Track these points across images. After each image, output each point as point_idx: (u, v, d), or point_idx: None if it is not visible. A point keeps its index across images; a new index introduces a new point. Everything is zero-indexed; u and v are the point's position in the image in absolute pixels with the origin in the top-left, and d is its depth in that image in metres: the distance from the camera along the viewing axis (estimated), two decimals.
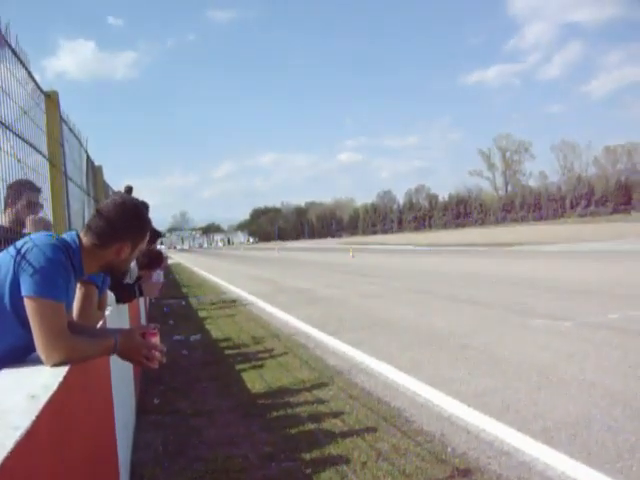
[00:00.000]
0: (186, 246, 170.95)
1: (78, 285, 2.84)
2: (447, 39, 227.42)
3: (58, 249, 2.35)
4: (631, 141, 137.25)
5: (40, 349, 2.24)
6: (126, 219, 2.54)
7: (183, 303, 17.43)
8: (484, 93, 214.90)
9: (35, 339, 2.24)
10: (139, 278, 5.63)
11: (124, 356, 2.50)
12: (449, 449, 4.71)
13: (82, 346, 2.35)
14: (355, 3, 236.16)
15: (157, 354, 2.49)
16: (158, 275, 5.80)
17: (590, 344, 8.03)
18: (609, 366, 6.85)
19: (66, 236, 2.51)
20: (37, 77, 3.62)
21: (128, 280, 5.27)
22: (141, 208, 2.65)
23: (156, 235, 6.41)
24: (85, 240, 2.50)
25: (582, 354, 7.50)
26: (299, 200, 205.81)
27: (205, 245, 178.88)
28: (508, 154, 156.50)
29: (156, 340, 2.51)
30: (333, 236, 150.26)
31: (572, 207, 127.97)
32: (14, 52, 2.99)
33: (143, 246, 2.71)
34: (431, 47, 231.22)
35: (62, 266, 2.33)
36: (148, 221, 2.69)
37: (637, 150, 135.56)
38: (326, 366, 7.82)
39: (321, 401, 6.20)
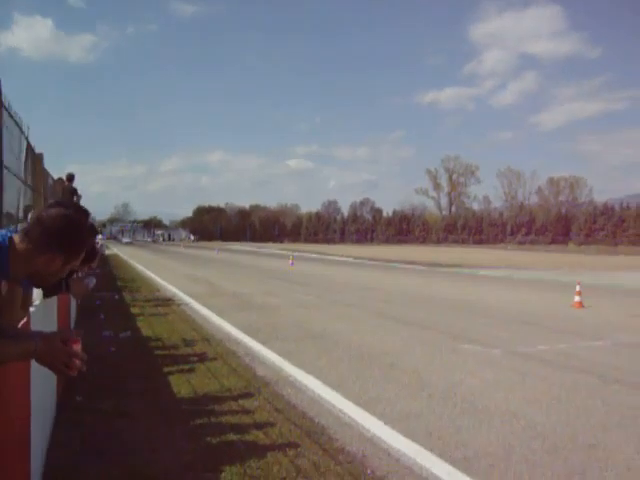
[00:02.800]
0: (129, 239, 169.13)
1: (2, 283, 2.74)
2: (408, 56, 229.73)
3: None
4: (574, 174, 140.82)
5: None
6: (65, 233, 2.44)
7: (116, 297, 17.13)
8: (438, 113, 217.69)
9: None
10: (71, 273, 5.49)
11: (43, 362, 2.42)
12: (369, 471, 4.71)
13: None
14: (320, 9, 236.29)
15: (77, 362, 2.41)
16: (90, 280, 5.69)
17: (517, 374, 8.16)
18: (533, 398, 6.97)
19: None
20: None
21: None
22: (84, 226, 2.55)
23: (93, 232, 6.28)
24: (19, 244, 2.40)
25: (508, 383, 7.62)
26: (244, 202, 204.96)
27: (147, 239, 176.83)
28: (455, 176, 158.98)
29: (78, 348, 2.43)
30: (275, 241, 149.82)
31: (512, 234, 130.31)
32: None
33: (76, 263, 2.61)
34: (391, 61, 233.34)
35: None
36: (87, 241, 2.60)
37: (579, 183, 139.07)
38: (254, 375, 7.78)
39: (246, 411, 6.15)
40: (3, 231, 2.48)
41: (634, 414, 6.36)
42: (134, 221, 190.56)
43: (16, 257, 2.39)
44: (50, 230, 2.40)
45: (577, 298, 16.13)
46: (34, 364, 2.55)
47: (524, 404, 6.67)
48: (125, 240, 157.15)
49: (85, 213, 2.58)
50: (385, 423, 5.90)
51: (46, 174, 9.26)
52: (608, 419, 6.18)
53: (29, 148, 6.84)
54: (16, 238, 2.41)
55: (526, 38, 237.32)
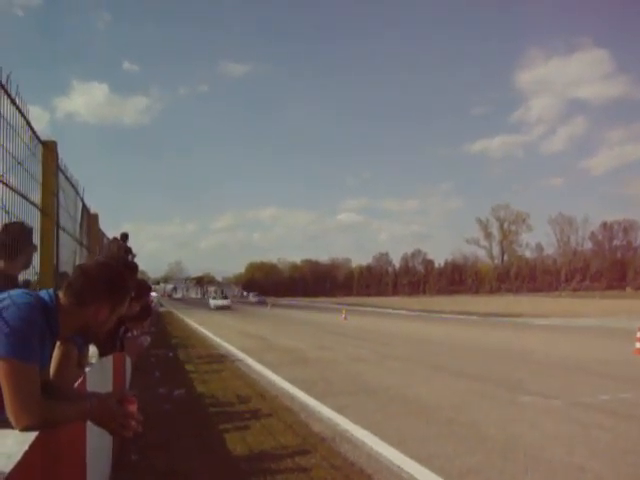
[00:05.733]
0: (180, 295, 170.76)
1: (57, 344, 2.76)
2: (454, 106, 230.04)
3: (34, 308, 2.27)
4: (628, 218, 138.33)
5: (10, 412, 2.15)
6: (107, 280, 2.47)
7: (170, 355, 17.21)
8: (487, 162, 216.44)
9: (5, 402, 2.15)
10: (125, 331, 5.53)
11: (98, 423, 2.41)
12: None
13: (54, 411, 2.26)
14: (364, 62, 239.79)
15: (133, 423, 2.39)
16: (144, 339, 5.72)
17: (580, 425, 7.89)
18: (598, 450, 6.71)
19: (44, 294, 2.43)
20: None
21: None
22: (124, 271, 2.59)
23: (147, 289, 6.34)
24: (63, 299, 2.42)
25: (571, 435, 7.37)
26: (296, 257, 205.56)
27: (199, 295, 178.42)
28: (506, 224, 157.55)
29: (133, 408, 2.42)
30: (327, 295, 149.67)
31: (567, 280, 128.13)
32: (13, 102, 2.97)
33: (123, 310, 2.63)
34: (437, 112, 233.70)
35: (37, 326, 2.25)
36: (129, 285, 2.62)
37: (633, 227, 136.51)
38: (310, 432, 7.67)
39: (303, 469, 6.05)
40: (45, 291, 2.50)
41: None
42: (187, 278, 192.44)
43: (64, 313, 2.41)
44: (92, 279, 2.45)
45: (638, 345, 15.68)
46: (89, 422, 2.55)
47: (589, 458, 6.41)
48: (176, 296, 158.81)
49: (129, 263, 2.63)
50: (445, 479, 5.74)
51: (101, 234, 9.43)
52: None
53: (84, 209, 6.98)
54: (60, 294, 2.44)
55: (573, 83, 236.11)
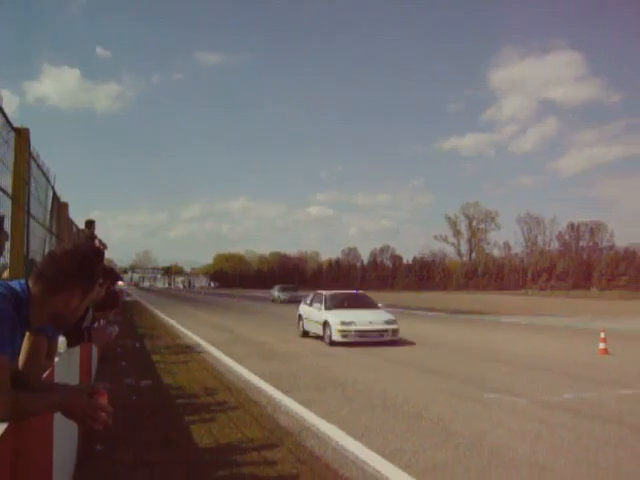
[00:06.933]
0: (147, 285, 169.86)
1: (27, 334, 2.73)
2: (429, 103, 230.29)
3: (6, 298, 2.25)
4: (595, 220, 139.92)
5: None
6: (77, 267, 2.45)
7: (137, 345, 17.10)
8: (458, 160, 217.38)
9: None
10: (93, 321, 5.48)
11: (68, 415, 2.39)
12: None
13: (24, 402, 2.24)
14: (340, 59, 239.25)
15: (103, 415, 2.38)
16: (112, 329, 5.68)
17: (543, 424, 7.99)
18: (561, 449, 6.80)
19: (15, 284, 2.41)
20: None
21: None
22: (91, 256, 2.57)
23: (115, 277, 6.29)
24: (34, 288, 2.40)
25: (535, 434, 7.46)
26: (265, 249, 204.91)
27: (166, 285, 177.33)
28: (474, 222, 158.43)
29: (104, 401, 2.41)
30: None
31: (533, 279, 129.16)
32: None
33: (93, 295, 2.62)
34: (410, 109, 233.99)
35: (8, 317, 2.22)
36: (99, 270, 2.61)
37: (600, 229, 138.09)
38: (277, 425, 7.68)
39: (269, 462, 6.06)
40: (17, 281, 2.48)
41: None
42: (155, 268, 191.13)
43: (35, 303, 2.39)
44: (63, 266, 2.43)
45: (602, 345, 15.88)
46: (57, 413, 2.53)
47: (552, 456, 6.50)
48: (143, 286, 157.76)
49: (95, 249, 2.62)
50: (410, 474, 5.77)
51: (70, 223, 9.35)
52: None
53: (55, 197, 6.91)
54: (30, 283, 2.42)
55: (546, 84, 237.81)
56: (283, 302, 54.39)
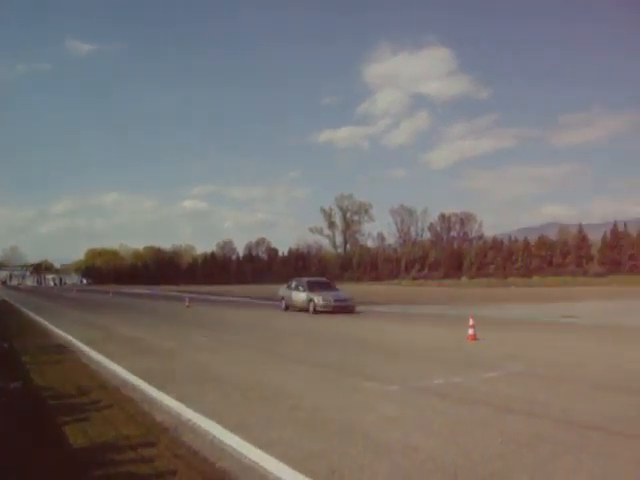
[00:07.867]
0: (15, 282, 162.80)
1: None
2: (303, 96, 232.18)
3: None
4: (465, 210, 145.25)
5: None
6: None
7: (5, 345, 16.42)
8: (333, 153, 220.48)
9: None
10: None
11: None
12: None
13: None
14: (216, 50, 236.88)
15: None
16: None
17: (415, 409, 8.28)
18: (432, 431, 7.07)
19: None
20: None
21: None
22: None
23: None
24: None
25: (407, 418, 7.72)
26: (139, 244, 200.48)
27: (35, 284, 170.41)
28: (349, 214, 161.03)
29: None
30: (170, 283, 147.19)
31: (406, 269, 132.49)
32: None
33: None
34: (285, 103, 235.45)
35: None
36: None
37: (469, 219, 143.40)
38: (153, 422, 7.59)
39: (146, 460, 5.98)
40: None
41: (528, 442, 6.55)
42: (24, 265, 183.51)
43: None
44: None
45: (470, 331, 16.55)
46: None
47: (423, 438, 6.74)
48: (11, 284, 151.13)
49: None
50: (288, 464, 5.83)
51: None
52: (505, 448, 6.33)
53: None
54: None
55: (418, 79, 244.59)
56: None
